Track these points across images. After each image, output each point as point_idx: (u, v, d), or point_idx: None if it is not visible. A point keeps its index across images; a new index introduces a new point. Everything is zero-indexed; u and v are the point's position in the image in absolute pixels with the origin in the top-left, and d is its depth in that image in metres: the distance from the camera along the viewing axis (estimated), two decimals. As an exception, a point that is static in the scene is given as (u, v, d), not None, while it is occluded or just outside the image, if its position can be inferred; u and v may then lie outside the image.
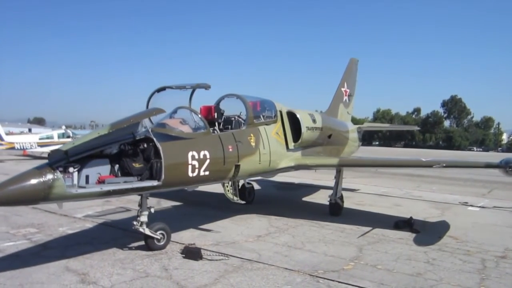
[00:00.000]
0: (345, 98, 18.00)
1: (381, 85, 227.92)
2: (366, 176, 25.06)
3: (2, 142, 29.94)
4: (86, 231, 9.85)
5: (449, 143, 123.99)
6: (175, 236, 9.41)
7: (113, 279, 6.71)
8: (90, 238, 9.18)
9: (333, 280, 6.95)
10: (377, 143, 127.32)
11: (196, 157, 8.49)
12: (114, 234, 9.49)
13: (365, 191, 18.52)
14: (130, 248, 8.43)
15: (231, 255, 8.13)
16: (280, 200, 15.95)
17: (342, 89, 17.82)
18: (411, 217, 11.63)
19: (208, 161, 8.74)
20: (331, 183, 19.95)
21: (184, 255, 7.96)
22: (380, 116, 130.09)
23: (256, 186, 18.99)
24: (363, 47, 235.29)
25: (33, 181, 6.25)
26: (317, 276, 7.12)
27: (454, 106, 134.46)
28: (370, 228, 10.86)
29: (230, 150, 9.45)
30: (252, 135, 10.35)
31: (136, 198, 14.21)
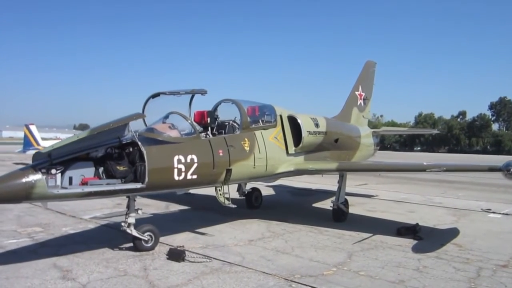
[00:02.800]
0: (360, 101, 17.63)
1: (424, 88, 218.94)
2: (390, 183, 24.31)
3: (39, 147, 31.79)
4: (87, 231, 10.30)
5: (498, 147, 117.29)
6: (168, 238, 9.64)
7: (91, 277, 7.00)
8: (87, 238, 9.60)
9: (306, 285, 6.86)
10: (419, 148, 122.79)
11: (183, 161, 8.67)
12: (111, 235, 9.84)
13: (384, 197, 17.98)
14: (121, 249, 8.72)
15: (214, 258, 8.21)
16: (289, 205, 15.85)
17: (356, 92, 17.48)
18: (417, 224, 11.22)
19: (195, 165, 8.90)
20: (350, 189, 19.78)
21: (168, 256, 8.14)
22: (422, 120, 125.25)
23: (270, 192, 19.07)
24: (402, 48, 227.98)
25: (16, 181, 6.69)
26: (291, 281, 7.05)
27: (504, 108, 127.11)
28: (371, 234, 10.58)
29: (221, 154, 9.55)
30: (246, 139, 10.41)
31: (146, 201, 14.83)
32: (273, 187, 20.33)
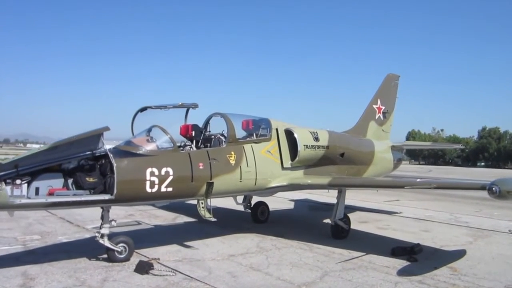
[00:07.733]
0: (379, 115, 16.86)
1: (488, 101, 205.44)
2: (427, 199, 22.81)
3: None
4: (79, 240, 10.64)
5: None
6: (150, 250, 9.74)
7: (48, 286, 7.19)
8: (74, 247, 9.91)
9: (253, 304, 6.59)
10: (483, 164, 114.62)
11: (156, 173, 8.75)
12: (97, 246, 10.05)
13: (407, 214, 16.90)
14: (97, 259, 8.89)
15: (181, 272, 8.14)
16: (297, 220, 15.39)
17: (374, 106, 16.74)
18: (417, 244, 10.45)
19: (171, 177, 8.94)
20: (374, 205, 18.88)
21: (134, 268, 8.20)
22: (486, 135, 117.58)
23: (289, 206, 18.72)
24: (465, 60, 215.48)
25: None
26: (241, 299, 6.81)
27: None
28: (363, 253, 9.98)
29: (201, 167, 9.53)
30: (232, 153, 10.31)
31: (157, 212, 15.13)
32: (295, 201, 20.00)
